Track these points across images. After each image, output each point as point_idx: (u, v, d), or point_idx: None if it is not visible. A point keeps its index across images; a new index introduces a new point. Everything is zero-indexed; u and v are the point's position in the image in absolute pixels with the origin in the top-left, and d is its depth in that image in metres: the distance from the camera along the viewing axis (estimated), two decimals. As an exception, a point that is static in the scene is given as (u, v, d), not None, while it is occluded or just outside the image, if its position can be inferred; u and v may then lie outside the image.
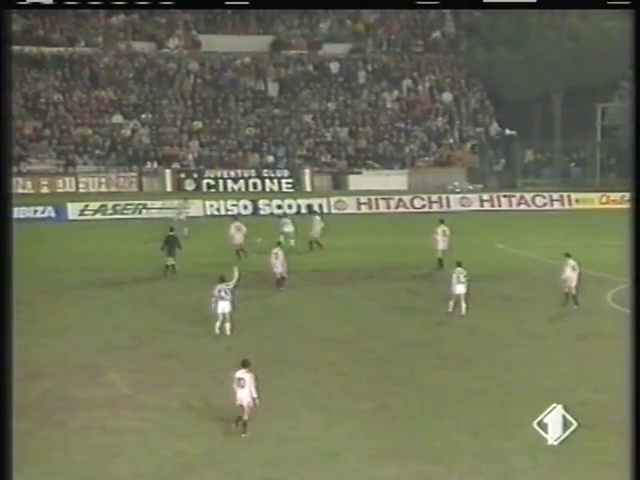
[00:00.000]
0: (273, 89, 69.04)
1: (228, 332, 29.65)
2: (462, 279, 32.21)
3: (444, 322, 32.02)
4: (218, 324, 29.63)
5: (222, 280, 29.70)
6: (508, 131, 70.51)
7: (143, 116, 65.57)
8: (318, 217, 44.99)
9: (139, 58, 68.66)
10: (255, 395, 21.90)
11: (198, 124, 65.95)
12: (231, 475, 20.36)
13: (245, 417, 21.88)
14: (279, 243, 37.41)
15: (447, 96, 71.30)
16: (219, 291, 29.48)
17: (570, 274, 33.41)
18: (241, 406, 22.00)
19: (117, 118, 65.16)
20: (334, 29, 73.34)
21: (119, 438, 22.02)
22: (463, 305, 32.31)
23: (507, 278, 38.43)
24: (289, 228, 43.55)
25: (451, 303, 32.46)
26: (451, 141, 68.97)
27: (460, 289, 32.26)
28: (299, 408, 23.98)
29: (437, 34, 74.88)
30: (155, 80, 67.95)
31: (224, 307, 29.50)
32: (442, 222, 40.55)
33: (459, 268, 32.47)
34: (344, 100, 69.41)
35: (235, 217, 45.40)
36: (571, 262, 33.52)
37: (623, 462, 16.87)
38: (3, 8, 16.43)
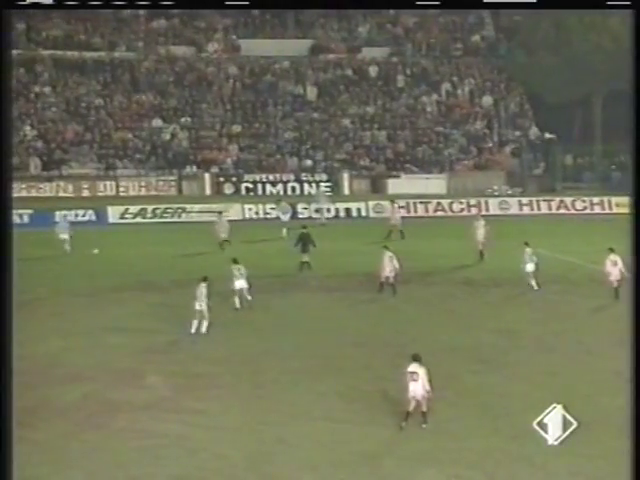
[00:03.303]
0: (312, 93, 69.12)
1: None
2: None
3: (482, 326, 31.91)
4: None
5: None
6: (548, 135, 70.14)
7: (183, 120, 65.90)
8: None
9: (179, 62, 69.06)
10: (428, 388, 22.28)
11: (237, 128, 66.18)
12: (269, 478, 20.42)
13: (424, 409, 22.31)
14: (386, 247, 36.94)
15: (487, 100, 71.06)
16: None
17: (610, 269, 33.35)
18: (414, 399, 22.33)
19: (157, 122, 65.54)
20: (373, 33, 73.34)
21: (159, 441, 22.14)
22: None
23: (546, 282, 38.23)
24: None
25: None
26: (490, 145, 68.71)
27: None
28: (338, 412, 24.00)
29: (476, 37, 74.66)
30: (195, 84, 68.28)
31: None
32: (480, 217, 43.41)
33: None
34: (383, 104, 69.37)
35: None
36: (612, 257, 33.49)
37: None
38: (3, 8, 16.45)
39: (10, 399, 15.30)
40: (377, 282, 35.92)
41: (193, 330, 30.40)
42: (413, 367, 22.63)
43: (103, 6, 19.61)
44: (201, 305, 30.45)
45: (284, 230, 47.11)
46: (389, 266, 35.49)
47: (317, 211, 54.47)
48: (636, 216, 16.91)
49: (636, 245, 16.76)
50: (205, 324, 30.51)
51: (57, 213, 51.51)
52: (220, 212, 47.07)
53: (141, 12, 69.18)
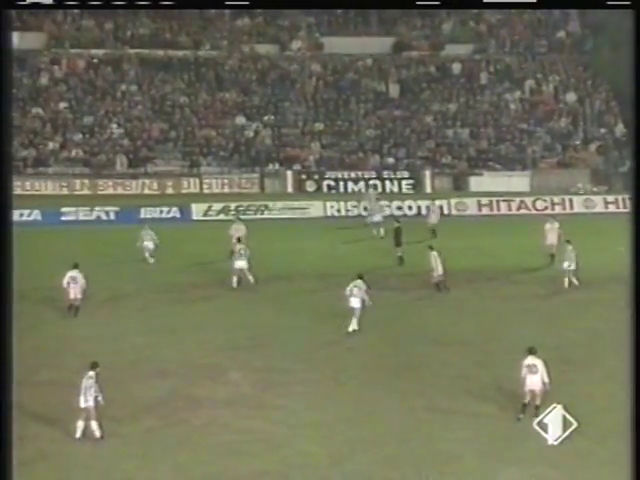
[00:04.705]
0: (394, 90, 68.89)
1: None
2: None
3: (567, 326, 31.55)
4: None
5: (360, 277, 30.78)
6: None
7: (265, 118, 66.15)
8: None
9: (262, 60, 69.35)
10: (547, 380, 22.34)
11: (319, 125, 66.25)
12: (351, 475, 20.45)
13: (538, 402, 22.42)
14: (431, 247, 36.78)
15: (571, 96, 70.12)
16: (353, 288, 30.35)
17: None
18: (532, 391, 22.45)
19: (240, 120, 65.89)
20: (456, 30, 72.80)
21: (242, 437, 22.33)
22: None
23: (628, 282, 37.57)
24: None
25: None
26: (575, 142, 67.76)
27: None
28: (419, 410, 23.94)
29: (561, 34, 73.66)
30: (278, 82, 68.52)
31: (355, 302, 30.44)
32: (554, 218, 42.41)
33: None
34: (466, 101, 68.83)
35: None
36: None
37: None
38: (3, 8, 16.60)
39: (10, 399, 15.46)
40: (430, 282, 35.42)
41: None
42: (531, 360, 22.63)
43: (103, 6, 19.66)
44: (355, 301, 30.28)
45: (381, 230, 46.45)
46: (436, 266, 35.11)
47: (367, 216, 52.09)
48: (636, 216, 16.86)
49: (636, 245, 16.72)
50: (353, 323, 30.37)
51: (142, 210, 52.15)
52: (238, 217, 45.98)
53: (225, 11, 69.61)
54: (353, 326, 30.33)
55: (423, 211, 54.71)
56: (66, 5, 18.46)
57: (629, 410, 16.15)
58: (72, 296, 32.51)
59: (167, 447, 21.89)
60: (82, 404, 22.22)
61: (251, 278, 36.41)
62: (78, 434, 22.11)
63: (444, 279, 35.38)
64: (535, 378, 22.52)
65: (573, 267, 36.29)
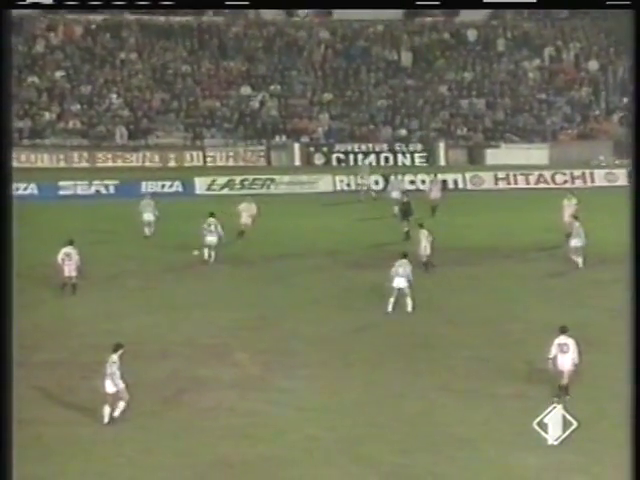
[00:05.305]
0: (407, 59, 68.75)
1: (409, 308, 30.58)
2: None
3: (586, 304, 31.60)
4: None
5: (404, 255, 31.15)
6: (659, 101, 68.66)
7: (272, 88, 66.14)
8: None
9: (268, 27, 69.28)
10: (577, 361, 22.49)
11: (328, 96, 66.22)
12: (361, 461, 20.58)
13: (565, 382, 22.75)
14: (421, 225, 36.93)
15: (593, 65, 69.92)
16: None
17: None
18: (561, 372, 22.60)
19: (245, 90, 65.89)
20: (472, -6, 72.72)
21: (247, 420, 22.46)
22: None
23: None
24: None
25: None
26: (597, 113, 67.65)
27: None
28: (432, 392, 24.05)
29: (582, -2, 73.51)
30: (284, 50, 68.43)
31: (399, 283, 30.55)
32: (572, 194, 42.17)
33: None
34: (482, 69, 68.70)
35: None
36: None
37: None
38: (3, 8, 16.97)
39: (10, 399, 15.60)
40: (419, 261, 35.30)
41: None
42: (562, 339, 22.75)
43: (103, 6, 19.81)
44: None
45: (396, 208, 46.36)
46: (425, 245, 35.09)
47: (359, 185, 52.88)
48: (636, 212, 17.02)
49: (636, 243, 16.88)
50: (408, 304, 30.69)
51: (143, 184, 52.24)
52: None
53: (229, -25, 69.56)
54: (408, 308, 30.66)
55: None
56: (66, 5, 18.71)
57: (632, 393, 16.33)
58: (66, 273, 32.58)
59: (170, 431, 22.03)
60: (108, 389, 22.26)
61: (212, 255, 36.83)
62: (106, 420, 22.17)
63: (431, 259, 35.24)
64: (566, 358, 22.66)
65: (580, 244, 36.35)
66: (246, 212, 41.33)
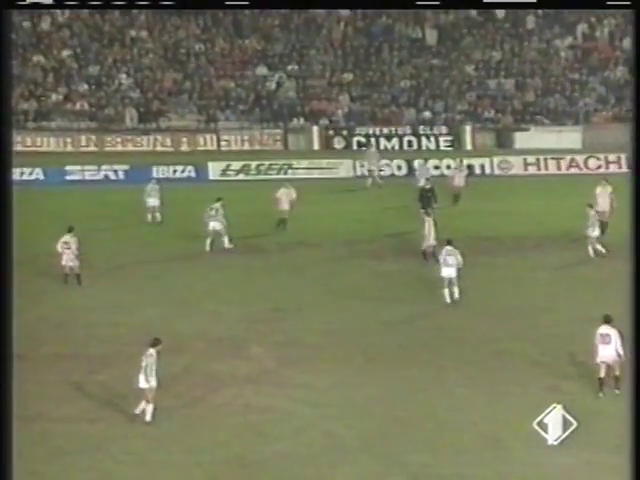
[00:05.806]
0: (431, 37, 68.57)
1: None
2: None
3: (620, 297, 31.42)
4: None
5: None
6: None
7: (289, 68, 66.06)
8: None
9: (285, 4, 69.32)
10: (622, 352, 22.37)
11: (348, 76, 66.10)
12: (383, 459, 20.55)
13: (617, 372, 22.68)
14: (427, 213, 36.89)
15: (628, 42, 69.63)
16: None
17: None
18: (605, 364, 22.51)
19: (261, 70, 65.84)
20: (500, -31, 72.51)
21: (263, 417, 22.47)
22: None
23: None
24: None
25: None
26: (633, 94, 67.39)
27: None
28: (457, 389, 23.99)
29: (617, -27, 73.18)
30: (302, 28, 68.33)
31: None
32: (607, 181, 41.13)
33: None
34: (510, 48, 68.45)
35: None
36: None
37: None
38: (3, 8, 17.15)
39: (10, 398, 15.63)
40: (420, 251, 35.24)
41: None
42: (604, 329, 22.63)
43: (103, 6, 20.09)
44: None
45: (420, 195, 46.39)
46: (429, 234, 35.04)
47: (369, 172, 52.75)
48: (636, 210, 16.94)
49: (636, 240, 16.79)
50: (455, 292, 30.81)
51: (154, 168, 52.26)
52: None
53: (244, -51, 69.48)
54: (455, 296, 30.85)
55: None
56: (66, 5, 19.01)
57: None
58: (63, 262, 32.52)
59: (183, 428, 22.07)
60: (142, 384, 22.28)
61: (226, 241, 36.66)
62: (148, 417, 22.21)
63: (434, 250, 35.10)
64: (608, 349, 22.54)
65: (597, 234, 36.38)
66: (286, 197, 41.17)
